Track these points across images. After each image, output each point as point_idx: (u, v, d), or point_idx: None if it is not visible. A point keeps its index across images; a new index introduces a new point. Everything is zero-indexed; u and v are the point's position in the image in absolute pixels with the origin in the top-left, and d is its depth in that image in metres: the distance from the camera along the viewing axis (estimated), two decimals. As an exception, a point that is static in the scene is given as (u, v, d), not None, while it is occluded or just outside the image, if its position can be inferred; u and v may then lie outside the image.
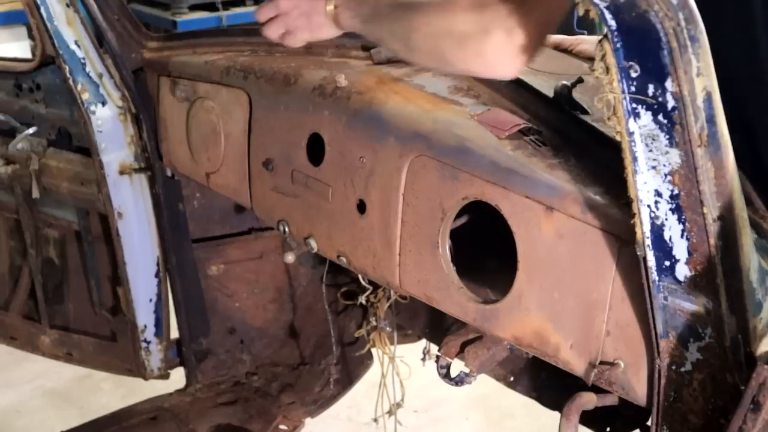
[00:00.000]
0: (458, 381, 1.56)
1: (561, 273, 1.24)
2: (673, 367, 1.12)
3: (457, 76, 1.57)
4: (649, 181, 1.03)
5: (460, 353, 1.56)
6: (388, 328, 2.30)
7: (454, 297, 1.40)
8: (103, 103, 2.07)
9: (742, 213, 1.02)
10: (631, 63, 0.97)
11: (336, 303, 2.40)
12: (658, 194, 1.03)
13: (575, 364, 1.26)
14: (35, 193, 2.21)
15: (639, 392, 1.19)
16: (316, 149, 1.59)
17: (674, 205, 1.03)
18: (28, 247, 2.36)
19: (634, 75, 0.97)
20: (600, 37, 1.75)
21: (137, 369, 2.34)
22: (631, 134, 1.01)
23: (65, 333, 2.44)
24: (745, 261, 1.03)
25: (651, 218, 1.05)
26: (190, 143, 1.95)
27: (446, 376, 1.57)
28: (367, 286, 2.09)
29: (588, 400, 1.33)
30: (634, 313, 1.16)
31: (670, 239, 1.05)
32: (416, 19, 1.27)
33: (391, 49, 1.49)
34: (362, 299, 2.17)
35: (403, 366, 2.35)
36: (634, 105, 0.99)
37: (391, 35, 1.37)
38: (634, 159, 1.03)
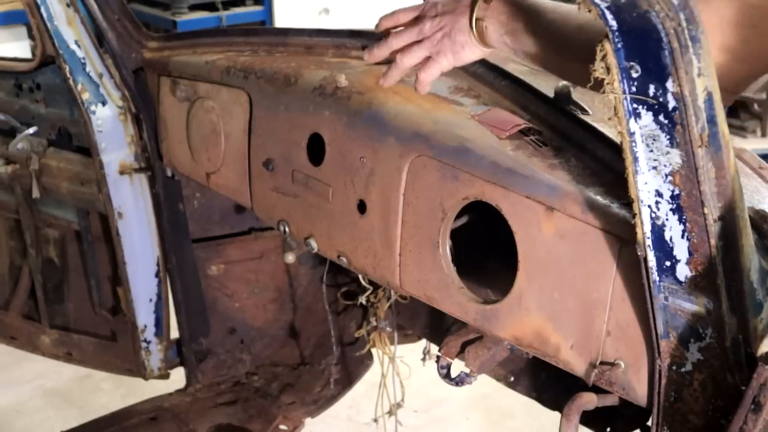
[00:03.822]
0: (458, 381, 1.56)
1: (561, 273, 1.24)
2: (674, 368, 1.12)
3: (458, 76, 1.57)
4: (649, 182, 1.03)
5: (461, 353, 1.56)
6: (388, 328, 2.30)
7: (455, 297, 1.40)
8: (103, 103, 2.07)
9: (742, 213, 1.02)
10: (632, 63, 0.97)
11: (336, 303, 2.40)
12: (659, 194, 1.03)
13: (575, 364, 1.26)
14: (35, 193, 2.21)
15: (639, 392, 1.19)
16: (316, 149, 1.59)
17: (675, 206, 1.03)
18: (28, 247, 2.36)
19: (635, 75, 0.97)
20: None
21: (137, 369, 2.34)
22: (631, 134, 1.02)
23: (65, 333, 2.44)
24: (746, 261, 1.03)
25: (652, 218, 1.05)
26: (190, 143, 1.95)
27: (446, 376, 1.57)
28: (367, 286, 2.09)
29: (588, 401, 1.33)
30: (634, 314, 1.16)
31: (670, 239, 1.05)
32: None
33: (549, 68, 1.31)
34: (362, 299, 2.17)
35: (403, 366, 2.35)
36: (634, 105, 0.99)
37: (553, 52, 1.23)
38: (635, 159, 1.03)
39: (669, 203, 1.03)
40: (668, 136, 0.99)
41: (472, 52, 1.36)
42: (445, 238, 1.39)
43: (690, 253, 1.04)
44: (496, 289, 1.40)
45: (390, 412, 2.44)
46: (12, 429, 3.06)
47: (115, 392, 3.15)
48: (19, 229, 2.38)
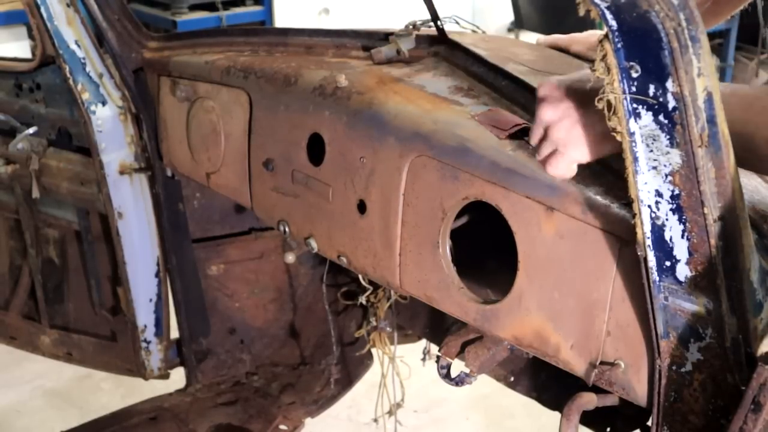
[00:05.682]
0: (458, 381, 1.56)
1: (561, 273, 1.24)
2: (674, 368, 1.12)
3: (458, 76, 1.57)
4: (649, 182, 1.03)
5: (461, 353, 1.56)
6: (388, 328, 2.30)
7: (455, 297, 1.40)
8: (103, 103, 2.07)
9: (742, 213, 1.02)
10: (632, 63, 0.97)
11: (336, 303, 2.40)
12: (659, 194, 1.03)
13: (575, 364, 1.26)
14: (35, 193, 2.21)
15: (639, 392, 1.19)
16: (316, 149, 1.59)
17: (675, 206, 1.03)
18: (28, 247, 2.36)
19: (635, 75, 0.97)
20: (591, 33, 1.75)
21: (137, 369, 2.34)
22: (631, 134, 1.02)
23: (65, 333, 2.44)
24: (746, 261, 1.03)
25: (652, 218, 1.05)
26: (191, 143, 1.95)
27: (446, 376, 1.57)
28: (367, 286, 2.09)
29: (588, 401, 1.33)
30: (634, 314, 1.16)
31: (670, 239, 1.05)
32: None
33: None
34: (362, 299, 2.17)
35: (403, 366, 2.35)
36: (634, 105, 0.99)
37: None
38: (635, 159, 1.03)
39: (669, 203, 1.03)
40: (668, 136, 0.99)
41: (613, 144, 1.08)
42: (445, 238, 1.39)
43: (690, 253, 1.04)
44: (496, 289, 1.40)
45: (390, 412, 2.44)
46: (12, 429, 3.06)
47: (115, 392, 3.15)
48: (19, 229, 2.38)
